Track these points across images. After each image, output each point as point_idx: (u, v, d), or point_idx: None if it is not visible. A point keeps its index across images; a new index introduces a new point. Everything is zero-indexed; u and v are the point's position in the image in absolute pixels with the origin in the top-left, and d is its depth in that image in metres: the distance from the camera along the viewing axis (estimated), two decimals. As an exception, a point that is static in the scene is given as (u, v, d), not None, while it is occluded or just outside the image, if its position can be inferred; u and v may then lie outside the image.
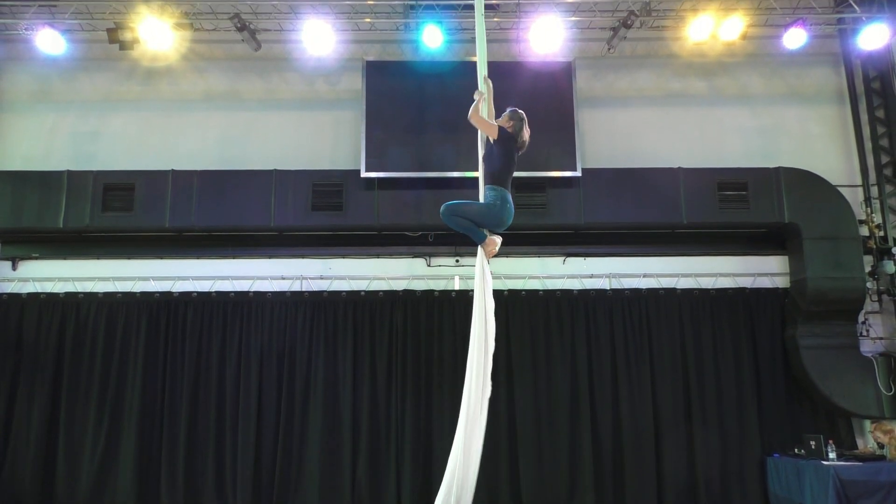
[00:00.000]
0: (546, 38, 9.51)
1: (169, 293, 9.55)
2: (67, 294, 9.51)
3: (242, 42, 9.75)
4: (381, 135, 9.39)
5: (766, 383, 9.24)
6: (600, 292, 9.60)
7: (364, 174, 9.27)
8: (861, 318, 9.36)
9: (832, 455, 7.97)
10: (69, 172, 9.36)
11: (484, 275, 5.62)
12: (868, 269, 9.41)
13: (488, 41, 6.26)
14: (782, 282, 9.64)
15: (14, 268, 9.71)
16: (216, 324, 9.39)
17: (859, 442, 9.14)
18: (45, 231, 9.41)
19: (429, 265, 9.75)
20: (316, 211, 9.31)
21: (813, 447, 8.16)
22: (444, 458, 5.52)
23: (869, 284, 9.41)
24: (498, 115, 6.11)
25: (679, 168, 9.51)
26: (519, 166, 5.98)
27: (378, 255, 9.78)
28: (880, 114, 10.08)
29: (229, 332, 9.36)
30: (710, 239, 9.76)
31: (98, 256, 9.69)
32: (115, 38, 9.45)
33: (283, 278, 9.68)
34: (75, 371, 9.20)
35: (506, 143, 5.80)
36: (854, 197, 9.69)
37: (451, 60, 9.73)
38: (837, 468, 7.68)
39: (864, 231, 9.52)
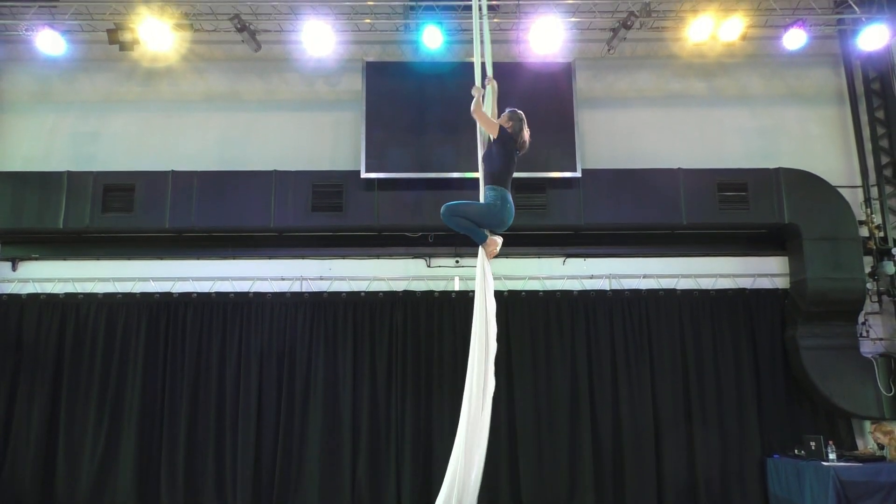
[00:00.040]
0: (546, 39, 9.51)
1: (169, 294, 9.55)
2: (67, 295, 9.51)
3: (242, 43, 9.75)
4: (381, 135, 9.40)
5: (766, 384, 9.24)
6: (600, 293, 9.61)
7: (364, 175, 9.27)
8: (861, 318, 9.36)
9: (832, 456, 7.96)
10: (69, 173, 9.37)
11: (485, 275, 5.61)
12: (868, 269, 9.41)
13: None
14: (782, 282, 9.64)
15: (14, 268, 9.71)
16: (216, 324, 9.39)
17: (859, 443, 9.14)
18: (45, 232, 9.41)
19: (429, 266, 9.75)
20: (316, 212, 9.32)
21: (813, 448, 8.16)
22: (445, 459, 5.52)
23: (869, 285, 9.41)
24: (498, 116, 6.11)
25: (679, 169, 9.51)
26: (519, 167, 5.98)
27: (378, 256, 9.78)
28: (880, 114, 10.08)
29: (229, 333, 9.36)
30: (709, 240, 9.76)
31: (98, 257, 9.69)
32: (115, 38, 9.45)
33: (283, 279, 9.68)
34: (75, 372, 9.20)
35: (505, 143, 5.80)
36: (854, 198, 9.70)
37: (451, 61, 9.73)
38: (837, 469, 7.67)
39: (864, 232, 9.52)
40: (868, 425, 9.04)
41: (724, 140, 10.06)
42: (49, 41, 9.39)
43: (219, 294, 9.54)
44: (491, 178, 5.76)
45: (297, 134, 10.02)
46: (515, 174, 5.95)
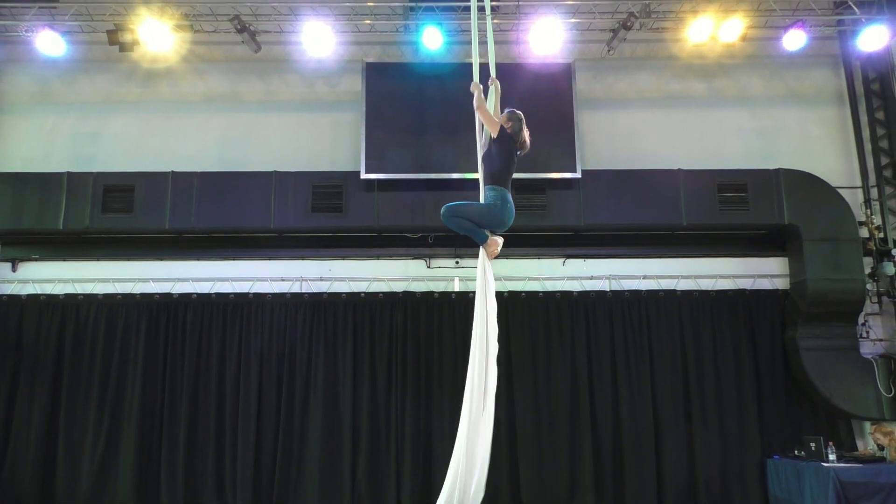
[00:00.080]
0: (546, 40, 9.51)
1: (169, 294, 9.55)
2: (67, 295, 9.52)
3: (242, 44, 9.75)
4: (380, 136, 9.40)
5: (766, 385, 9.24)
6: (600, 294, 9.61)
7: (364, 176, 9.28)
8: (861, 319, 9.36)
9: (832, 457, 7.96)
10: (69, 174, 9.37)
11: (486, 276, 5.61)
12: (868, 270, 9.41)
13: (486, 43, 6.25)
14: (782, 283, 9.64)
15: (14, 269, 9.71)
16: (216, 325, 9.39)
17: (859, 444, 9.14)
18: (45, 232, 9.41)
19: (429, 267, 9.75)
20: (316, 212, 9.33)
21: (813, 449, 8.16)
22: (444, 459, 5.51)
23: (869, 286, 9.41)
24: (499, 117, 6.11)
25: (679, 170, 9.52)
26: (518, 168, 5.98)
27: (378, 257, 9.78)
28: (880, 115, 10.08)
29: (229, 334, 9.37)
30: (709, 240, 9.76)
31: (98, 258, 9.70)
32: (115, 39, 9.45)
33: (283, 280, 9.68)
34: (75, 372, 9.21)
35: (504, 142, 5.80)
36: (854, 198, 9.70)
37: (451, 62, 9.73)
38: (837, 470, 7.67)
39: (864, 233, 9.53)
40: (868, 426, 9.04)
41: (723, 141, 10.07)
42: (49, 42, 9.40)
43: (219, 295, 9.54)
44: (491, 179, 5.76)
45: (297, 135, 10.02)
46: (515, 175, 5.94)
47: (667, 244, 9.78)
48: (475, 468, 5.25)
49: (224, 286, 9.62)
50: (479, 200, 5.82)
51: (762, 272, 9.72)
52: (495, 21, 9.34)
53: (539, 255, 9.80)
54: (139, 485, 8.86)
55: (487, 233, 5.73)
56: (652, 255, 9.79)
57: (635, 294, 9.59)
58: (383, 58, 10.14)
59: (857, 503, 7.56)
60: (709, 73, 10.31)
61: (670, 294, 9.58)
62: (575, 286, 9.69)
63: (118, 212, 9.28)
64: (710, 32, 9.58)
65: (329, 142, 9.98)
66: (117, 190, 9.32)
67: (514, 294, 9.48)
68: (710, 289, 9.63)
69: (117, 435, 9.00)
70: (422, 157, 9.36)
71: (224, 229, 9.50)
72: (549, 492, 8.86)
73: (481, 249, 5.70)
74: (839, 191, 9.44)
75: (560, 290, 9.64)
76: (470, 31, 6.24)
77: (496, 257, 5.75)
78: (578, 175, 9.33)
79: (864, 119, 10.11)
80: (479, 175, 5.93)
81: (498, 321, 5.57)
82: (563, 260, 9.82)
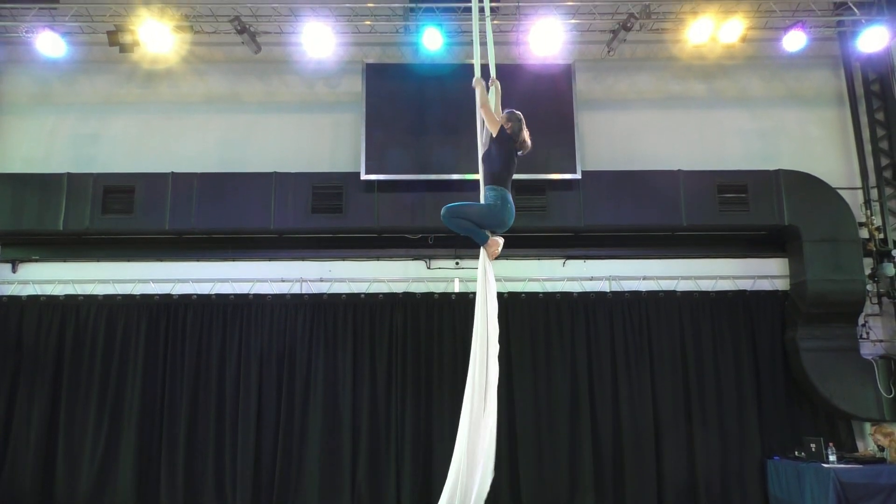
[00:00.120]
0: (546, 41, 9.51)
1: (169, 295, 9.55)
2: (67, 296, 9.51)
3: (242, 45, 9.75)
4: (380, 137, 9.40)
5: (766, 386, 9.24)
6: (600, 295, 9.60)
7: (364, 176, 9.28)
8: (861, 320, 9.35)
9: (832, 458, 7.97)
10: (69, 175, 9.37)
11: (486, 276, 5.60)
12: (868, 271, 9.41)
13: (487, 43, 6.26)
14: (782, 284, 9.64)
15: (14, 270, 9.71)
16: (216, 326, 9.39)
17: (859, 444, 9.14)
18: (45, 233, 9.41)
19: (429, 268, 9.76)
20: (316, 213, 9.33)
21: (813, 450, 8.16)
22: (445, 460, 5.50)
23: (869, 287, 9.41)
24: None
25: (679, 170, 9.52)
26: (518, 169, 5.97)
27: (378, 258, 9.78)
28: (880, 116, 10.09)
29: (229, 335, 9.37)
30: (709, 241, 9.75)
31: (98, 259, 9.69)
32: (116, 40, 9.44)
33: (283, 280, 9.68)
34: (75, 373, 9.20)
35: (504, 143, 5.80)
36: (854, 199, 9.70)
37: (451, 63, 9.72)
38: (838, 471, 7.68)
39: (864, 233, 9.53)
40: (868, 427, 9.04)
41: (723, 142, 10.07)
42: (49, 43, 9.40)
43: (219, 296, 9.54)
44: (491, 179, 5.76)
45: (297, 135, 10.03)
46: (515, 176, 5.94)
47: (667, 245, 9.78)
48: (477, 469, 5.22)
49: (224, 287, 9.62)
50: (479, 201, 5.82)
51: (762, 273, 9.72)
52: (495, 22, 9.36)
53: (539, 256, 9.80)
54: (139, 485, 8.86)
55: (488, 233, 5.73)
56: (652, 255, 9.79)
57: (635, 295, 9.59)
58: (383, 59, 10.15)
59: (857, 504, 7.57)
60: (709, 74, 10.31)
61: (670, 295, 9.58)
62: (575, 287, 9.69)
63: (118, 213, 9.28)
64: (710, 33, 9.58)
65: (329, 143, 9.98)
66: (117, 191, 9.32)
67: (514, 295, 9.48)
68: (710, 290, 9.63)
69: (117, 435, 8.99)
70: (422, 157, 9.37)
71: (224, 230, 9.50)
72: (549, 492, 8.86)
73: (482, 250, 5.69)
74: (839, 192, 9.44)
75: (560, 290, 9.64)
76: (470, 31, 6.25)
77: (496, 258, 5.76)
78: (578, 176, 9.33)
79: (864, 120, 10.11)
80: (479, 176, 5.94)
81: (498, 322, 5.57)
82: (563, 261, 9.82)
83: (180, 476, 8.89)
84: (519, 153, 5.91)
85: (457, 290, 9.59)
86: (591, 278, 9.72)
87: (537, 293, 9.61)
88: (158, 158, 9.76)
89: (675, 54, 10.22)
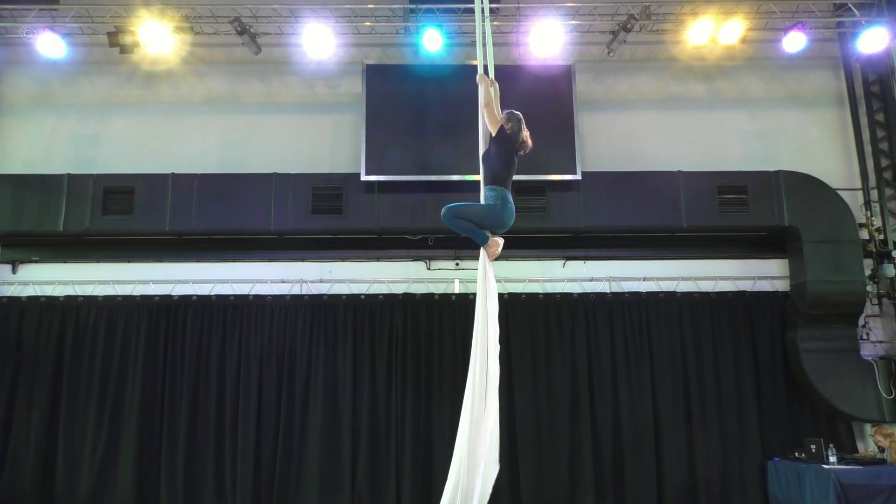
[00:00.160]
0: (546, 42, 9.52)
1: (169, 296, 9.55)
2: (67, 297, 9.51)
3: (243, 46, 9.76)
4: (381, 138, 9.40)
5: (766, 387, 9.24)
6: (600, 296, 9.60)
7: (364, 177, 9.28)
8: (861, 321, 9.35)
9: (833, 459, 7.96)
10: (69, 176, 9.38)
11: (486, 277, 5.61)
12: (868, 272, 9.41)
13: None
14: (782, 285, 9.64)
15: (14, 271, 9.71)
16: (216, 327, 9.39)
17: (860, 446, 9.13)
18: (45, 234, 9.41)
19: (429, 268, 9.76)
20: (316, 214, 9.33)
21: (813, 451, 8.16)
22: (445, 460, 5.50)
23: (869, 288, 9.40)
24: (497, 119, 6.12)
25: (679, 171, 9.52)
26: (518, 170, 5.97)
27: (378, 259, 9.78)
28: (880, 117, 10.09)
29: (229, 336, 9.36)
30: (710, 242, 9.75)
31: (98, 260, 9.69)
32: (116, 41, 9.44)
33: (283, 281, 9.68)
34: (75, 374, 9.20)
35: (504, 143, 5.81)
36: (854, 200, 9.70)
37: (451, 64, 9.72)
38: (838, 472, 7.67)
39: (864, 234, 9.53)
40: (868, 428, 9.03)
41: (723, 143, 10.07)
42: (49, 44, 9.40)
43: (219, 296, 9.54)
44: (491, 179, 5.76)
45: (297, 136, 10.03)
46: (515, 177, 5.94)
47: (667, 246, 9.78)
48: (478, 470, 5.21)
49: (224, 288, 9.61)
50: (479, 201, 5.82)
51: (762, 274, 9.72)
52: (495, 23, 9.40)
53: (539, 257, 9.80)
54: (139, 485, 8.85)
55: (488, 233, 5.74)
56: (652, 256, 9.79)
57: (635, 296, 9.59)
58: (383, 60, 10.15)
59: (857, 505, 7.56)
60: (709, 75, 10.31)
61: (670, 296, 9.58)
62: (575, 288, 9.69)
63: (118, 213, 9.28)
64: (710, 34, 9.58)
65: (329, 143, 9.98)
66: (117, 192, 9.33)
67: (514, 296, 9.47)
68: (710, 290, 9.62)
69: (117, 436, 8.99)
70: (422, 158, 9.37)
71: (224, 231, 9.50)
72: (549, 492, 8.86)
73: (482, 250, 5.70)
74: (839, 192, 9.44)
75: (560, 291, 9.63)
76: (470, 32, 6.26)
77: (496, 258, 5.76)
78: (578, 177, 9.33)
79: (864, 121, 10.11)
80: (479, 176, 5.94)
81: (498, 322, 5.56)
82: (563, 262, 9.82)
83: (180, 476, 8.88)
84: (519, 153, 5.92)
85: (457, 290, 9.60)
86: (592, 279, 9.72)
87: (537, 294, 9.61)
88: (158, 159, 9.77)
89: (675, 55, 10.22)
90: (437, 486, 5.55)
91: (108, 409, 9.07)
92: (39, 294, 9.56)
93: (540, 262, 9.80)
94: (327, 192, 9.37)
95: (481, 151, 5.94)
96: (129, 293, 9.57)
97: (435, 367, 9.22)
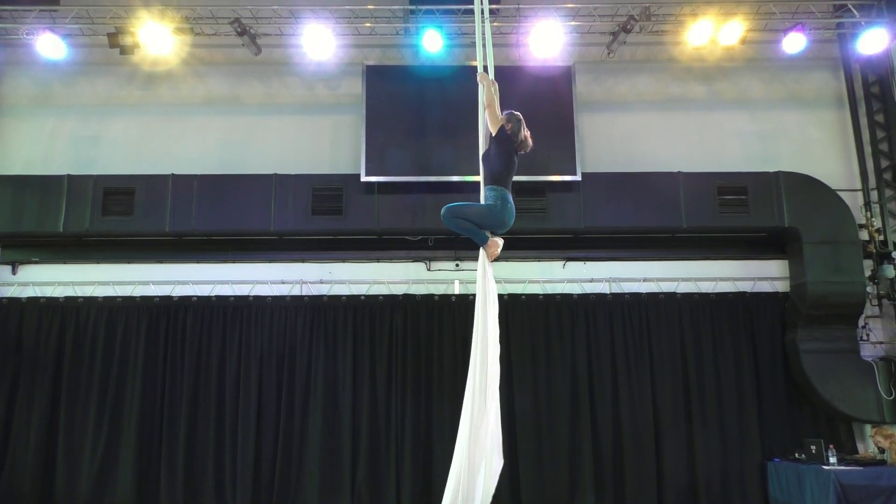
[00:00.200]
0: (546, 43, 9.53)
1: (169, 297, 9.55)
2: (67, 298, 9.51)
3: (243, 47, 9.77)
4: (381, 139, 9.40)
5: (767, 387, 9.24)
6: (600, 296, 9.60)
7: (364, 178, 9.28)
8: (861, 322, 9.35)
9: (833, 459, 7.96)
10: (69, 177, 9.38)
11: (486, 277, 5.60)
12: (868, 273, 9.40)
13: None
14: (782, 286, 9.64)
15: (14, 272, 9.71)
16: (216, 328, 9.39)
17: (860, 446, 9.13)
18: (45, 235, 9.41)
19: (429, 269, 9.76)
20: (316, 215, 9.33)
21: (813, 451, 8.15)
22: (445, 460, 5.50)
23: (869, 289, 9.40)
24: (497, 120, 6.12)
25: (679, 172, 9.52)
26: (518, 171, 5.96)
27: (378, 260, 9.78)
28: (880, 118, 10.09)
29: (229, 337, 9.37)
30: (710, 243, 9.75)
31: (98, 261, 9.69)
32: (116, 42, 9.45)
33: (283, 282, 9.68)
34: (75, 375, 9.20)
35: (504, 143, 5.81)
36: (854, 201, 9.70)
37: (451, 65, 9.73)
38: (838, 473, 7.67)
39: (864, 235, 9.53)
40: (868, 429, 9.03)
41: (723, 143, 10.07)
42: (50, 45, 9.42)
43: (219, 297, 9.54)
44: (491, 179, 5.76)
45: (297, 137, 10.03)
46: (515, 178, 5.93)
47: (667, 247, 9.78)
48: (479, 471, 5.20)
49: (224, 289, 9.62)
50: (479, 201, 5.82)
51: (762, 275, 9.72)
52: (496, 24, 9.40)
53: (539, 258, 9.80)
54: (139, 485, 8.86)
55: (488, 234, 5.73)
56: (652, 257, 9.79)
57: (635, 297, 9.59)
58: (383, 60, 10.15)
59: (857, 506, 7.56)
60: (708, 76, 10.32)
61: (670, 297, 9.58)
62: (575, 289, 9.69)
63: (118, 214, 9.28)
64: (709, 35, 9.59)
65: (329, 144, 9.99)
66: (117, 193, 9.33)
67: (514, 296, 9.48)
68: (710, 291, 9.63)
69: (117, 436, 9.00)
70: (422, 159, 9.38)
71: (224, 232, 9.50)
72: (549, 492, 8.86)
73: (481, 250, 5.70)
74: (839, 193, 9.44)
75: (560, 292, 9.63)
76: (470, 33, 6.26)
77: (496, 259, 5.75)
78: (578, 178, 9.34)
79: (863, 122, 10.11)
80: (479, 177, 5.94)
81: (498, 323, 5.56)
82: (563, 262, 9.82)
83: (180, 476, 8.89)
84: (519, 153, 5.91)
85: (457, 291, 9.60)
86: (591, 280, 9.72)
87: (537, 295, 9.61)
88: (159, 160, 9.77)
89: (675, 56, 10.23)
90: (437, 486, 5.54)
91: (108, 409, 9.08)
92: (39, 295, 9.57)
93: (540, 262, 9.80)
94: (327, 192, 9.37)
95: (481, 151, 5.94)
96: (129, 294, 9.57)
97: (435, 367, 9.22)
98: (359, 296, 9.58)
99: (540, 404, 9.13)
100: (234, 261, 9.73)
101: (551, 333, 9.40)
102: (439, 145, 9.34)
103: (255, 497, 8.86)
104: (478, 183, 5.92)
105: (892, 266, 9.36)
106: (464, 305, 9.19)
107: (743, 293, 9.61)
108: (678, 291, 9.62)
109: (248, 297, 9.57)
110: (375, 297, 9.57)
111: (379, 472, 8.92)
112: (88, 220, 9.24)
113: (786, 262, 9.67)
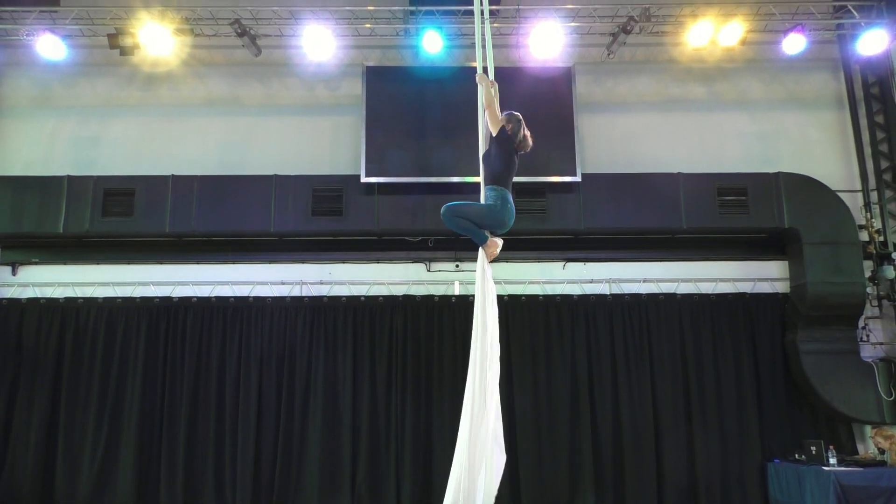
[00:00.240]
0: (546, 44, 9.53)
1: (169, 298, 9.55)
2: (67, 299, 9.51)
3: (243, 47, 9.78)
4: (381, 140, 9.41)
5: (767, 388, 9.23)
6: (600, 297, 9.60)
7: (364, 179, 9.29)
8: (861, 323, 9.34)
9: (833, 460, 7.95)
10: (69, 177, 9.38)
11: (485, 277, 5.60)
12: (868, 274, 9.40)
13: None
14: (782, 287, 9.64)
15: (14, 273, 9.71)
16: (216, 329, 9.39)
17: (860, 447, 9.12)
18: (45, 236, 9.41)
19: (429, 270, 9.75)
20: (316, 216, 9.33)
21: (813, 452, 8.15)
22: (445, 460, 5.49)
23: (869, 289, 9.40)
24: (497, 120, 6.12)
25: (679, 173, 9.53)
26: (518, 171, 5.96)
27: (378, 261, 9.78)
28: (879, 119, 10.09)
29: (229, 337, 9.37)
30: (709, 244, 9.75)
31: (98, 261, 9.69)
32: (116, 43, 9.45)
33: (283, 283, 9.68)
34: (75, 375, 9.20)
35: (504, 143, 5.81)
36: (854, 202, 9.70)
37: (451, 66, 9.74)
38: (838, 473, 7.66)
39: (864, 236, 9.53)
40: (868, 430, 9.02)
41: (723, 144, 10.08)
42: (50, 46, 9.43)
43: (219, 298, 9.54)
44: (491, 179, 5.77)
45: (297, 138, 10.04)
46: (515, 178, 5.94)
47: (667, 248, 9.78)
48: (479, 471, 5.19)
49: (224, 290, 9.62)
50: (479, 201, 5.82)
51: (762, 276, 9.72)
52: (495, 25, 9.41)
53: (539, 259, 9.79)
54: (139, 485, 8.86)
55: (487, 234, 5.74)
56: (652, 258, 9.79)
57: (635, 297, 9.59)
58: (383, 61, 10.16)
59: (857, 507, 7.56)
60: (708, 77, 10.32)
61: (670, 297, 9.58)
62: (575, 289, 9.68)
63: (118, 215, 9.29)
64: (709, 36, 9.60)
65: (329, 145, 9.99)
66: (118, 193, 9.33)
67: (514, 297, 9.48)
68: (710, 292, 9.62)
69: (117, 437, 9.00)
70: (422, 160, 9.38)
71: (224, 233, 9.50)
72: (549, 492, 8.86)
73: (481, 250, 5.70)
74: (839, 194, 9.44)
75: (560, 293, 9.63)
76: (469, 34, 6.26)
77: (496, 259, 5.75)
78: (578, 178, 9.34)
79: (863, 122, 10.12)
80: (479, 178, 5.95)
81: (498, 324, 5.56)
82: (563, 263, 9.82)
83: (180, 476, 8.89)
84: (519, 153, 5.92)
85: (457, 292, 9.60)
86: (591, 281, 9.72)
87: (537, 296, 9.61)
88: (159, 161, 9.78)
89: (675, 57, 10.24)
90: (437, 487, 5.54)
91: (108, 410, 9.08)
92: (39, 296, 9.56)
93: (540, 263, 9.80)
94: (327, 193, 9.37)
95: (481, 152, 5.94)
96: (129, 295, 9.57)
97: (435, 368, 9.22)
98: (359, 297, 9.58)
99: (540, 405, 9.13)
100: (234, 262, 9.73)
101: (551, 334, 9.40)
102: (439, 146, 9.34)
103: (255, 497, 8.85)
104: (478, 184, 5.92)
105: (892, 267, 9.37)
106: (464, 306, 9.19)
107: (743, 294, 9.60)
108: (678, 292, 9.62)
109: (248, 297, 9.57)
110: (375, 297, 9.57)
111: (379, 472, 8.92)
112: (88, 221, 9.24)
113: (786, 262, 9.67)
